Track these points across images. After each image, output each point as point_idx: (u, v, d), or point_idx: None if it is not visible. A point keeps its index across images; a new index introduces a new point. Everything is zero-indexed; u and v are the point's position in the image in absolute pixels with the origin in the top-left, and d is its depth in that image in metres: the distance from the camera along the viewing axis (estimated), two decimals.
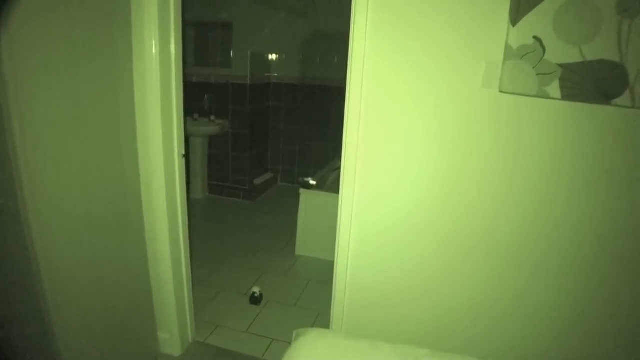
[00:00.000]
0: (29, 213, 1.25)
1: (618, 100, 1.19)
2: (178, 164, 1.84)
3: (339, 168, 4.06)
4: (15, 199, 1.23)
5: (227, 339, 2.14)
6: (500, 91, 1.30)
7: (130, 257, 1.77)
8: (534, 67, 1.24)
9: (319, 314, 2.39)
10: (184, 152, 1.87)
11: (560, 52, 1.21)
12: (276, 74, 4.45)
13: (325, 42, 4.17)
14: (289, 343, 2.10)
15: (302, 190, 3.05)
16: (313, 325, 2.29)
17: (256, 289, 2.48)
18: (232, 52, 3.97)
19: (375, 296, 1.66)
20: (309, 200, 3.04)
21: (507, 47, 1.26)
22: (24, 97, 1.20)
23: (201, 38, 4.18)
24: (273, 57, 4.40)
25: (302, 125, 4.55)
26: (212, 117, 4.09)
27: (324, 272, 2.86)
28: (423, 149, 1.45)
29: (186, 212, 1.95)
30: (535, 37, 1.22)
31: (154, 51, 1.62)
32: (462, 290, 1.56)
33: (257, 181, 4.41)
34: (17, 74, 1.16)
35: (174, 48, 1.70)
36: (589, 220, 1.37)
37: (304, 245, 3.14)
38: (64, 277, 1.42)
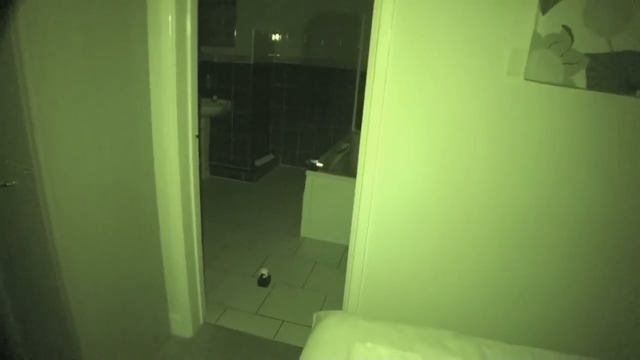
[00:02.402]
0: (46, 193, 1.24)
1: None
2: (192, 144, 1.83)
3: (344, 150, 4.05)
4: (32, 180, 1.22)
5: (237, 321, 2.16)
6: (526, 79, 1.30)
7: (143, 237, 1.77)
8: (561, 56, 1.24)
9: (326, 296, 2.43)
10: (197, 133, 1.86)
11: (588, 42, 1.21)
12: (279, 55, 4.38)
13: (329, 23, 4.11)
14: (299, 325, 2.14)
15: (308, 172, 3.03)
16: (322, 307, 2.33)
17: (264, 271, 2.50)
18: (235, 31, 3.90)
19: (390, 280, 1.69)
20: (314, 182, 3.03)
21: (535, 35, 1.26)
22: (41, 75, 1.17)
23: (204, 16, 4.06)
24: (276, 37, 4.33)
25: (304, 107, 4.52)
26: (215, 98, 4.04)
27: (330, 254, 2.90)
28: (445, 136, 1.46)
29: (199, 193, 1.94)
30: (564, 27, 1.22)
31: (169, 27, 1.58)
32: (475, 274, 1.59)
33: (259, 162, 4.40)
34: (34, 53, 1.14)
35: (190, 24, 1.67)
36: (605, 209, 1.39)
37: (309, 227, 3.15)
38: (79, 257, 1.41)
